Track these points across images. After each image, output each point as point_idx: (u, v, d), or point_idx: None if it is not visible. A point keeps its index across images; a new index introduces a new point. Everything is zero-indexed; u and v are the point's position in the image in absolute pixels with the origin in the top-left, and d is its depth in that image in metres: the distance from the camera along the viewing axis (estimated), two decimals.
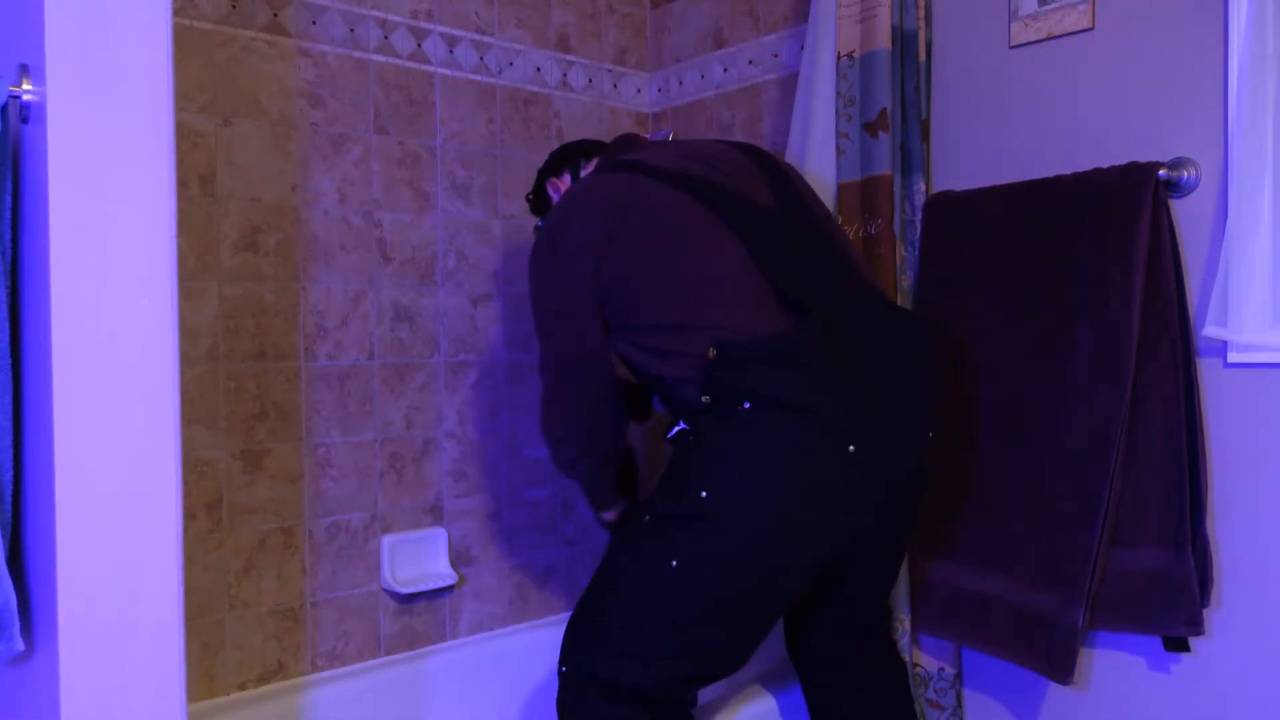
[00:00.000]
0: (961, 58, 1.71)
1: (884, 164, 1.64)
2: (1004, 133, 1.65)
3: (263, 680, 1.70)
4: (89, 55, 0.92)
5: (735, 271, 1.29)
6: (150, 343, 0.96)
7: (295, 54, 1.73)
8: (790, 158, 1.80)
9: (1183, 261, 1.42)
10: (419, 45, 1.90)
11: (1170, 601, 1.37)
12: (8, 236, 0.97)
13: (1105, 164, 1.50)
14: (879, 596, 1.50)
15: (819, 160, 1.72)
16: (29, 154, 0.97)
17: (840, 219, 1.68)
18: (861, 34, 1.67)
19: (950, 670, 1.68)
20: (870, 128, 1.65)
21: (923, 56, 1.70)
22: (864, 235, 1.67)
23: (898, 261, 1.66)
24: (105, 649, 0.94)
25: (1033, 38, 1.61)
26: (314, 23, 1.75)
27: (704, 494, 1.22)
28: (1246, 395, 1.39)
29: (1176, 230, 1.42)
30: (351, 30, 1.80)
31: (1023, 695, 1.65)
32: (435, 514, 1.93)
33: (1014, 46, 1.64)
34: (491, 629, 2.01)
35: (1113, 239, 1.41)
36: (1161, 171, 1.40)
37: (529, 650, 2.00)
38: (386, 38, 1.85)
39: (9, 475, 0.98)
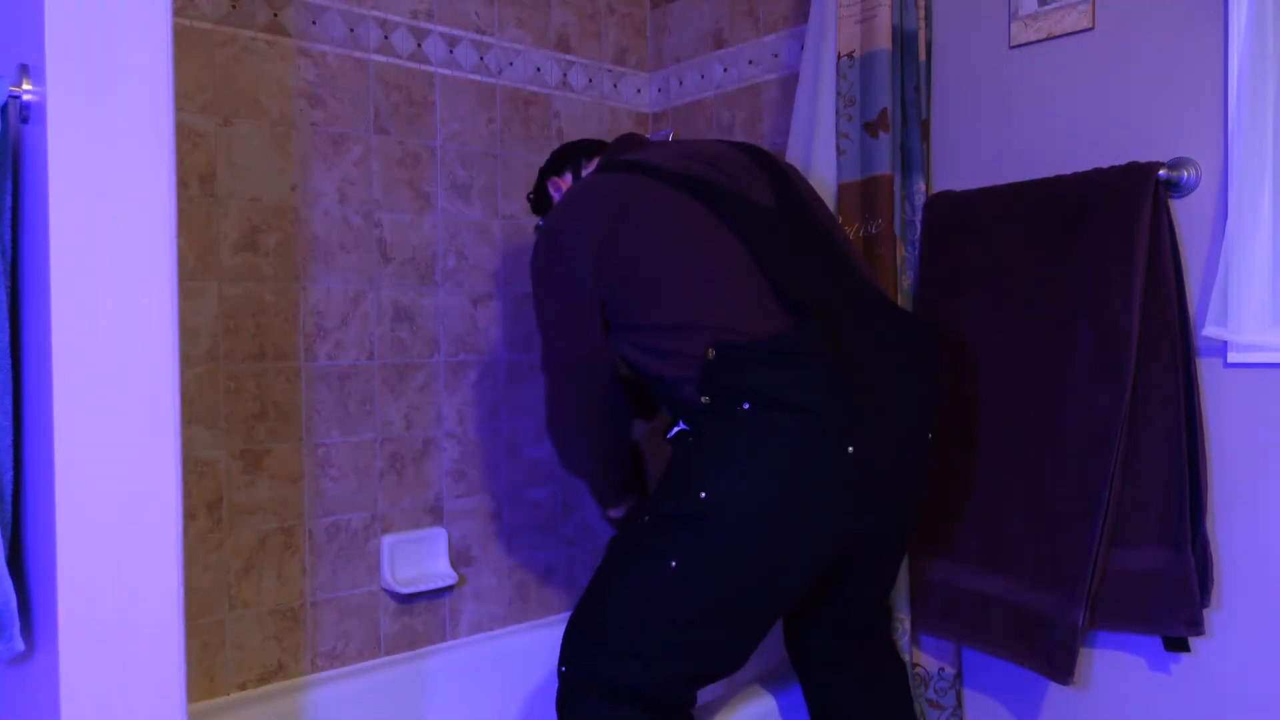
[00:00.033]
0: (961, 58, 1.71)
1: (884, 164, 1.64)
2: (1004, 133, 1.65)
3: (263, 680, 1.70)
4: (89, 55, 0.92)
5: (735, 271, 1.29)
6: (150, 343, 0.96)
7: (295, 54, 1.73)
8: (790, 158, 1.80)
9: (1183, 261, 1.42)
10: (419, 45, 1.90)
11: (1170, 601, 1.37)
12: (8, 236, 0.97)
13: (1105, 164, 1.50)
14: (879, 596, 1.50)
15: (819, 160, 1.72)
16: (29, 154, 0.97)
17: (841, 219, 1.68)
18: (862, 34, 1.67)
19: (950, 670, 1.68)
20: (870, 128, 1.65)
21: (923, 56, 1.70)
22: (864, 235, 1.67)
23: (898, 261, 1.66)
24: (105, 649, 0.94)
25: (1033, 38, 1.61)
26: (314, 23, 1.75)
27: (703, 494, 1.22)
28: (1246, 395, 1.39)
29: (1176, 230, 1.42)
30: (351, 30, 1.80)
31: (1023, 695, 1.65)
32: (435, 514, 1.93)
33: (1014, 46, 1.64)
34: (491, 629, 2.01)
35: (1113, 239, 1.41)
36: (1161, 171, 1.40)
37: (529, 650, 2.00)
38: (386, 38, 1.85)
39: (9, 475, 0.98)
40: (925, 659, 1.68)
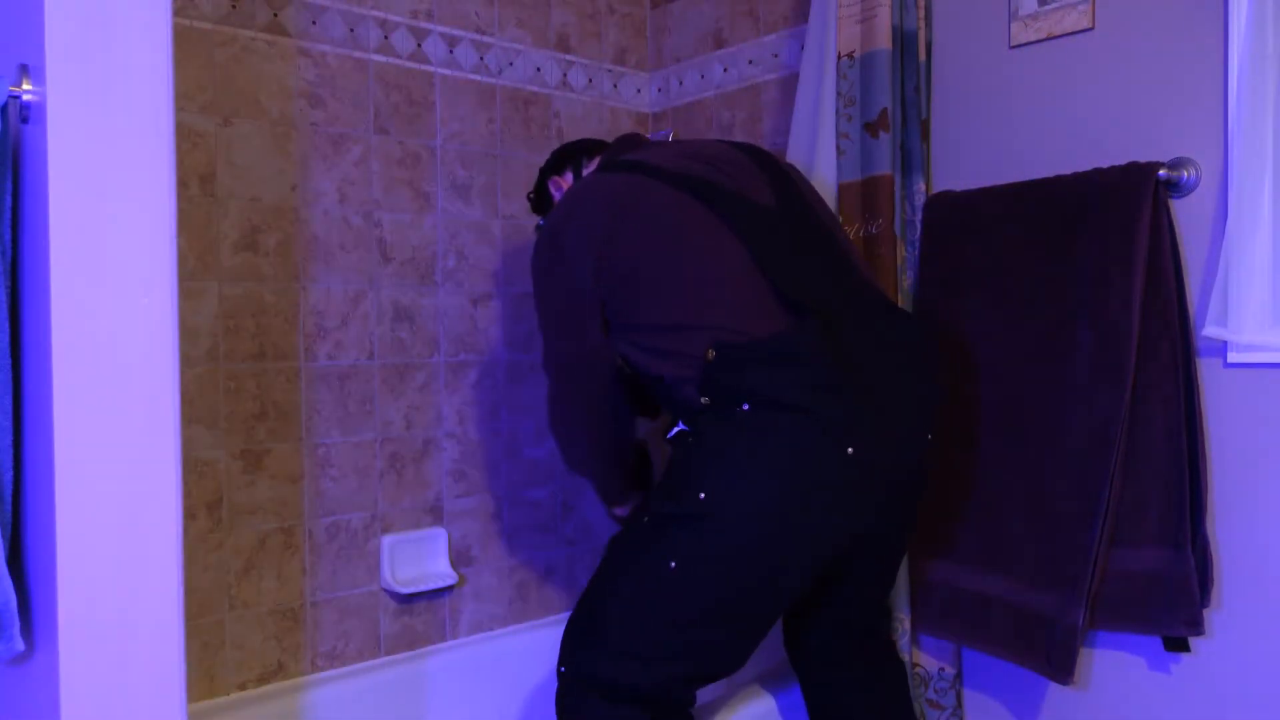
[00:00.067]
0: (961, 58, 1.71)
1: (884, 164, 1.64)
2: (1004, 133, 1.65)
3: (263, 680, 1.70)
4: (89, 55, 0.92)
5: (735, 272, 1.29)
6: (150, 343, 0.96)
7: (295, 54, 1.73)
8: (791, 158, 1.80)
9: (1183, 261, 1.42)
10: (419, 45, 1.90)
11: (1170, 601, 1.37)
12: (8, 236, 0.97)
13: (1105, 164, 1.50)
14: (878, 596, 1.50)
15: (820, 160, 1.73)
16: (29, 154, 0.97)
17: (841, 219, 1.68)
18: (862, 34, 1.67)
19: (950, 670, 1.68)
20: (871, 128, 1.65)
21: (923, 56, 1.70)
22: (864, 235, 1.67)
23: (898, 261, 1.66)
24: (105, 649, 0.94)
25: (1033, 38, 1.61)
26: (314, 23, 1.75)
27: (703, 495, 1.22)
28: (1246, 395, 1.39)
29: (1176, 230, 1.42)
30: (351, 30, 1.80)
31: (1023, 695, 1.65)
32: (435, 514, 1.93)
33: (1014, 46, 1.64)
34: (491, 629, 2.01)
35: (1113, 239, 1.41)
36: (1161, 171, 1.40)
37: (529, 650, 2.00)
38: (386, 38, 1.85)
39: (9, 475, 0.98)
40: (925, 659, 1.68)
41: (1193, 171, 1.42)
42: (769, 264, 1.29)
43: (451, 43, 1.95)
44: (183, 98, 1.60)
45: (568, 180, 1.65)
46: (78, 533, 0.92)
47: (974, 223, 1.61)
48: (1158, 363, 1.39)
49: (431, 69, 1.92)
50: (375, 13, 1.83)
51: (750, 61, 2.09)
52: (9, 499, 0.98)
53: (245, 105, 1.67)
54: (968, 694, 1.72)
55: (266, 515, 1.70)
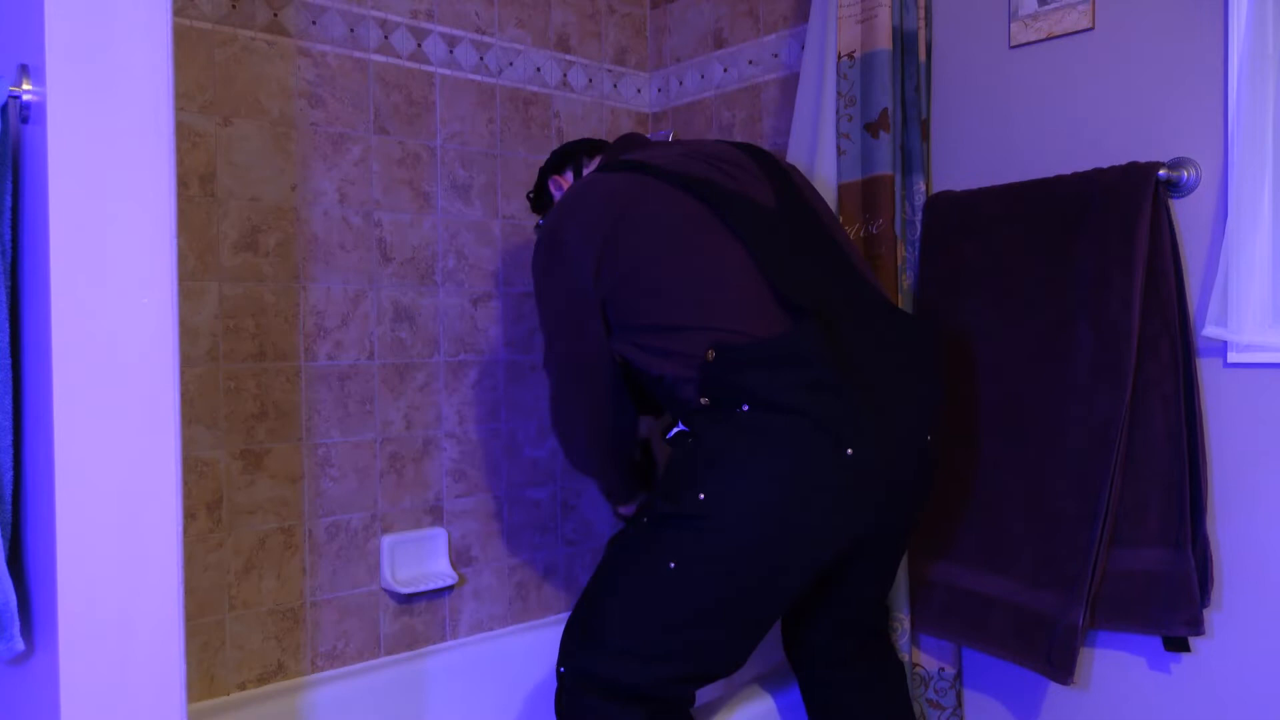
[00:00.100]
0: (961, 58, 1.71)
1: (885, 164, 1.64)
2: (1004, 133, 1.66)
3: (263, 680, 1.70)
4: (89, 55, 0.92)
5: (735, 272, 1.29)
6: (150, 343, 0.96)
7: (295, 54, 1.73)
8: (792, 158, 1.80)
9: (1183, 261, 1.42)
10: (419, 45, 1.90)
11: (1170, 601, 1.37)
12: (8, 236, 0.97)
13: (1105, 164, 1.50)
14: (877, 596, 1.50)
15: (820, 160, 1.73)
16: (29, 154, 0.97)
17: (841, 219, 1.68)
18: (862, 34, 1.67)
19: (950, 670, 1.68)
20: (871, 128, 1.65)
21: (923, 56, 1.70)
22: (865, 235, 1.67)
23: (898, 261, 1.66)
24: (105, 649, 0.94)
25: (1033, 38, 1.61)
26: (314, 23, 1.75)
27: (702, 495, 1.22)
28: (1246, 395, 1.39)
29: (1176, 230, 1.42)
30: (351, 30, 1.80)
31: (1023, 695, 1.65)
32: (435, 514, 1.93)
33: (1014, 46, 1.64)
34: (491, 629, 2.01)
35: (1113, 239, 1.41)
36: (1161, 171, 1.40)
37: (529, 650, 2.00)
38: (386, 38, 1.85)
39: (9, 475, 0.98)
40: (925, 659, 1.68)
41: (1193, 171, 1.42)
42: (769, 265, 1.29)
43: (451, 43, 1.95)
44: (183, 98, 1.60)
45: (568, 179, 1.65)
46: (78, 533, 0.92)
47: (974, 223, 1.61)
48: (1158, 363, 1.39)
49: (431, 69, 1.92)
50: (375, 13, 1.83)
51: (750, 61, 2.09)
52: (9, 499, 0.98)
53: (245, 105, 1.67)
54: (968, 694, 1.72)
55: (266, 515, 1.70)
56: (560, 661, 1.33)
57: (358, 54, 1.81)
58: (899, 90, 1.66)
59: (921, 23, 1.69)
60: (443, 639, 1.94)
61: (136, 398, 0.95)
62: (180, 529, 0.98)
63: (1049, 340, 1.49)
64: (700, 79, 2.19)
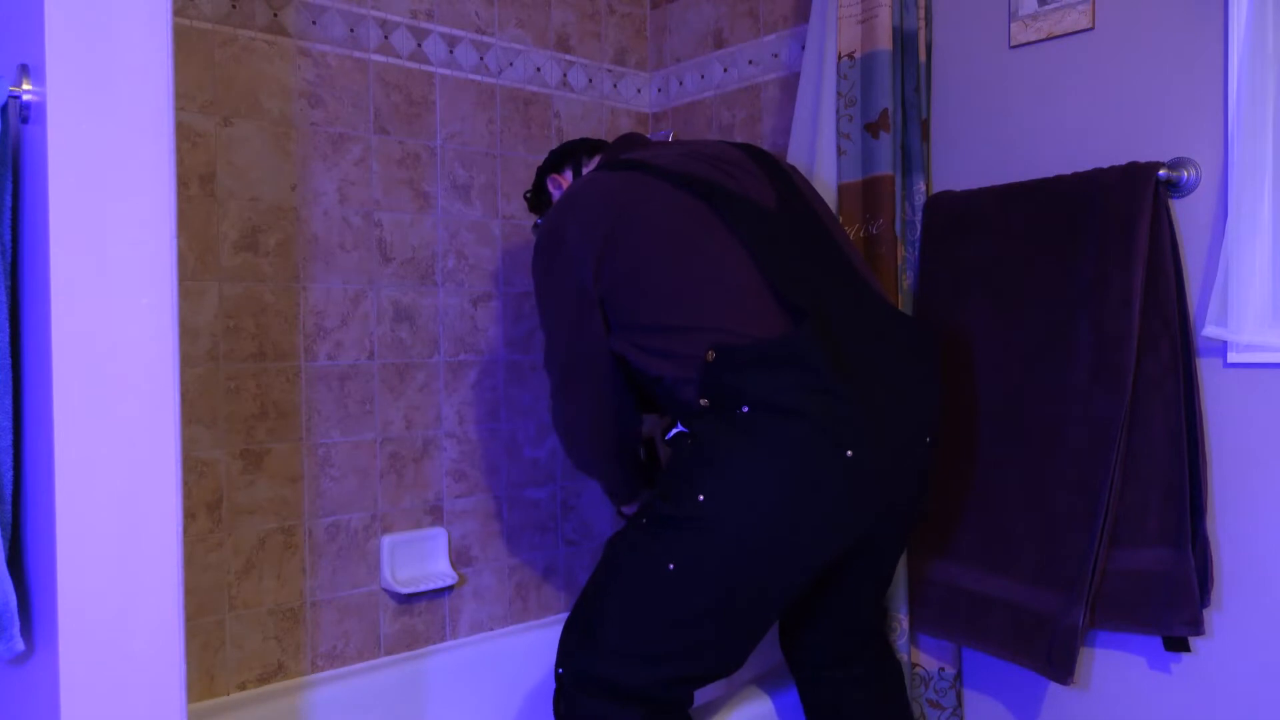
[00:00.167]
0: (961, 58, 1.71)
1: (885, 164, 1.64)
2: (1004, 133, 1.66)
3: (263, 680, 1.70)
4: (89, 55, 0.92)
5: (736, 273, 1.29)
6: (150, 343, 0.96)
7: (295, 54, 1.73)
8: (792, 158, 1.80)
9: (1183, 261, 1.43)
10: (419, 45, 1.90)
11: (1170, 601, 1.37)
12: (8, 236, 0.97)
13: (1105, 164, 1.50)
14: (875, 596, 1.50)
15: (820, 161, 1.73)
16: (29, 154, 0.97)
17: (841, 219, 1.68)
18: (862, 34, 1.67)
19: (950, 670, 1.68)
20: (871, 128, 1.65)
21: (923, 57, 1.70)
22: (865, 235, 1.67)
23: (898, 261, 1.66)
24: (105, 649, 0.94)
25: (1033, 38, 1.61)
26: (314, 23, 1.75)
27: (701, 497, 1.22)
28: (1246, 395, 1.39)
29: (1176, 230, 1.42)
30: (351, 30, 1.80)
31: (1023, 695, 1.65)
32: (435, 514, 1.93)
33: (1014, 46, 1.64)
34: (491, 629, 2.01)
35: (1112, 239, 1.41)
36: (1161, 171, 1.40)
37: (529, 650, 2.00)
38: (386, 38, 1.85)
39: (9, 475, 0.98)
40: (925, 659, 1.68)
41: (1193, 171, 1.42)
42: (769, 265, 1.29)
43: (451, 43, 1.95)
44: (183, 98, 1.60)
45: (567, 179, 1.65)
46: (78, 533, 0.92)
47: (974, 223, 1.61)
48: (1158, 363, 1.39)
49: (431, 69, 1.92)
50: (375, 13, 1.83)
51: (750, 62, 2.09)
52: (9, 499, 0.98)
53: (245, 105, 1.67)
54: (968, 694, 1.72)
55: (266, 515, 1.70)
56: (559, 662, 1.33)
57: (358, 54, 1.81)
58: (899, 90, 1.66)
59: (921, 23, 1.69)
60: (442, 639, 1.94)
61: (136, 398, 0.95)
62: (180, 529, 0.98)
63: (1049, 340, 1.49)
64: (700, 79, 2.19)
